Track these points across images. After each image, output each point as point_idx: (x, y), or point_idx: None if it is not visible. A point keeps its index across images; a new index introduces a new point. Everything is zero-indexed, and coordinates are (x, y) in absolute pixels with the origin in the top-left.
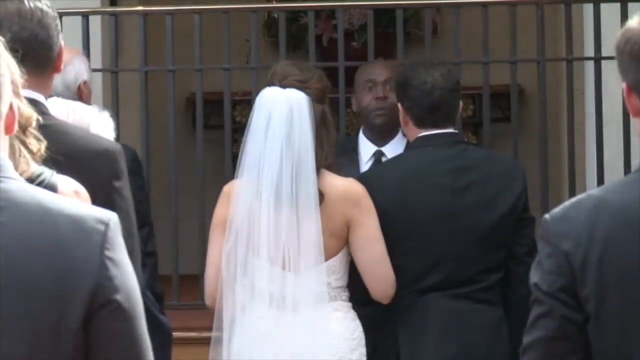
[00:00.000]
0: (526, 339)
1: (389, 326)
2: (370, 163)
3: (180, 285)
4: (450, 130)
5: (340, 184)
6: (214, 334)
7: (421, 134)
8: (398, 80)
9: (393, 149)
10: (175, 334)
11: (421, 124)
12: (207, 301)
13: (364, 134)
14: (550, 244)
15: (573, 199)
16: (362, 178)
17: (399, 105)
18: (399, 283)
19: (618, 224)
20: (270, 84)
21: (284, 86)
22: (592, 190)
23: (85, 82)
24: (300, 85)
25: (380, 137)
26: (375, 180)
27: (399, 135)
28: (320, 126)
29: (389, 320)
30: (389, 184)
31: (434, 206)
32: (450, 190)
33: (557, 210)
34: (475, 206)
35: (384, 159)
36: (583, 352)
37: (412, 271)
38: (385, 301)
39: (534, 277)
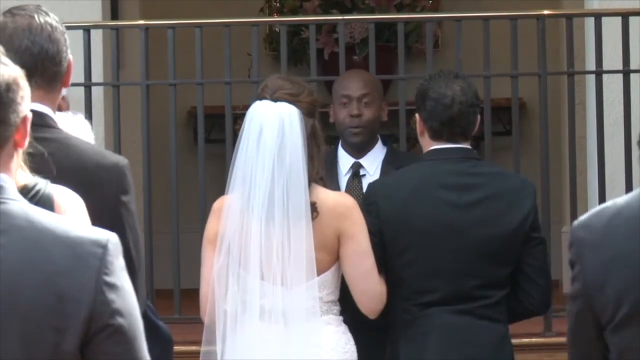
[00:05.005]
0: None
1: (390, 338)
2: (348, 175)
3: (182, 299)
4: (463, 145)
5: (331, 198)
6: (203, 348)
7: (434, 147)
8: (418, 90)
9: (371, 160)
10: (177, 348)
11: (437, 136)
12: (203, 317)
13: (342, 146)
14: (573, 251)
15: (598, 206)
16: (371, 187)
17: (417, 115)
18: (401, 295)
19: (629, 234)
20: (261, 97)
21: (275, 100)
22: (618, 199)
23: (63, 97)
24: (292, 99)
25: (358, 150)
26: (384, 190)
27: (377, 146)
28: (311, 140)
29: (384, 332)
30: (396, 194)
31: (437, 219)
32: (455, 205)
33: (583, 216)
34: (480, 222)
35: (362, 171)
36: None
37: (414, 283)
38: (372, 316)
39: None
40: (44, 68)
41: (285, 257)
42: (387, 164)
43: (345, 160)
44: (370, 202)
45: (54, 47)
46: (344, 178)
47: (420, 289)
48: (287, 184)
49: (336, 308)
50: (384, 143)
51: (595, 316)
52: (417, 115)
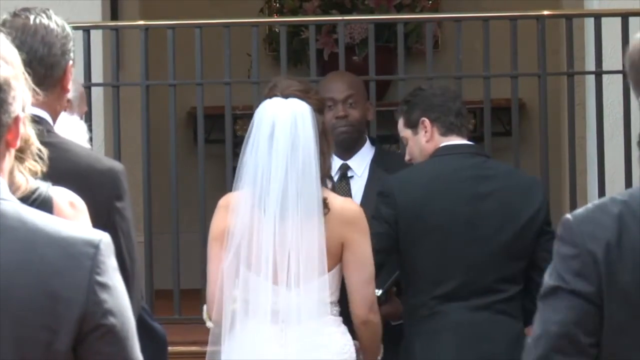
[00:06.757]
0: (537, 329)
1: (406, 333)
2: (336, 177)
3: (182, 300)
4: (468, 142)
5: (339, 202)
6: (209, 348)
7: (444, 144)
8: (419, 99)
9: (359, 161)
10: (177, 348)
11: (449, 131)
12: (214, 317)
13: None
14: (574, 244)
15: (596, 202)
16: (388, 180)
17: (425, 121)
18: (417, 289)
19: None
20: (271, 96)
21: (286, 96)
22: (615, 195)
23: (68, 100)
24: (302, 95)
25: (346, 150)
26: (400, 182)
27: (366, 146)
28: (321, 136)
29: (385, 334)
30: (412, 186)
31: (453, 211)
32: (470, 197)
33: (580, 211)
34: (494, 215)
35: (350, 173)
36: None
37: (429, 275)
38: (362, 325)
39: (551, 279)
40: (32, 69)
41: (299, 253)
42: (376, 165)
43: (333, 162)
44: (387, 194)
45: (45, 49)
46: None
47: (434, 281)
48: (301, 179)
49: (336, 309)
50: (372, 143)
51: (596, 316)
52: (425, 122)
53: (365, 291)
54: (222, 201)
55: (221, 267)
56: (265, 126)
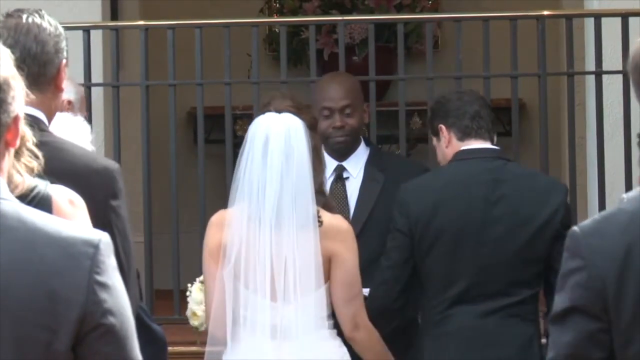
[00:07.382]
0: (551, 353)
1: (417, 336)
2: (332, 179)
3: (181, 300)
4: (491, 145)
5: (327, 219)
6: (207, 348)
7: (463, 148)
8: (437, 107)
9: (354, 163)
10: (177, 348)
11: (466, 134)
12: (215, 331)
13: (324, 149)
14: (581, 257)
15: (603, 213)
16: (404, 187)
17: (441, 127)
18: (429, 293)
19: None
20: (265, 112)
21: (279, 111)
22: (621, 204)
23: (69, 101)
24: (296, 111)
25: (341, 154)
26: (416, 189)
27: (361, 147)
28: (313, 153)
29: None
30: (427, 192)
31: (465, 214)
32: (483, 200)
33: (587, 223)
34: (508, 218)
35: (345, 174)
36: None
37: (440, 278)
38: (350, 341)
39: (559, 300)
40: (28, 69)
41: (295, 263)
42: (371, 166)
43: (328, 164)
44: (402, 203)
45: (38, 48)
46: (327, 181)
47: (446, 283)
48: (295, 191)
49: (329, 322)
50: (367, 144)
51: (604, 331)
52: (442, 128)
53: (347, 310)
54: (215, 218)
55: (218, 280)
56: (259, 139)
